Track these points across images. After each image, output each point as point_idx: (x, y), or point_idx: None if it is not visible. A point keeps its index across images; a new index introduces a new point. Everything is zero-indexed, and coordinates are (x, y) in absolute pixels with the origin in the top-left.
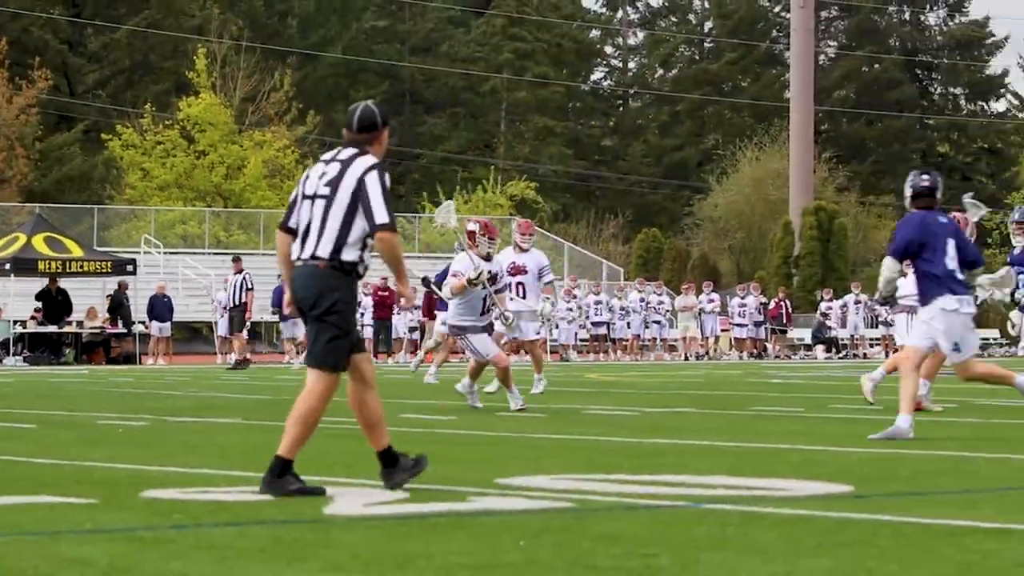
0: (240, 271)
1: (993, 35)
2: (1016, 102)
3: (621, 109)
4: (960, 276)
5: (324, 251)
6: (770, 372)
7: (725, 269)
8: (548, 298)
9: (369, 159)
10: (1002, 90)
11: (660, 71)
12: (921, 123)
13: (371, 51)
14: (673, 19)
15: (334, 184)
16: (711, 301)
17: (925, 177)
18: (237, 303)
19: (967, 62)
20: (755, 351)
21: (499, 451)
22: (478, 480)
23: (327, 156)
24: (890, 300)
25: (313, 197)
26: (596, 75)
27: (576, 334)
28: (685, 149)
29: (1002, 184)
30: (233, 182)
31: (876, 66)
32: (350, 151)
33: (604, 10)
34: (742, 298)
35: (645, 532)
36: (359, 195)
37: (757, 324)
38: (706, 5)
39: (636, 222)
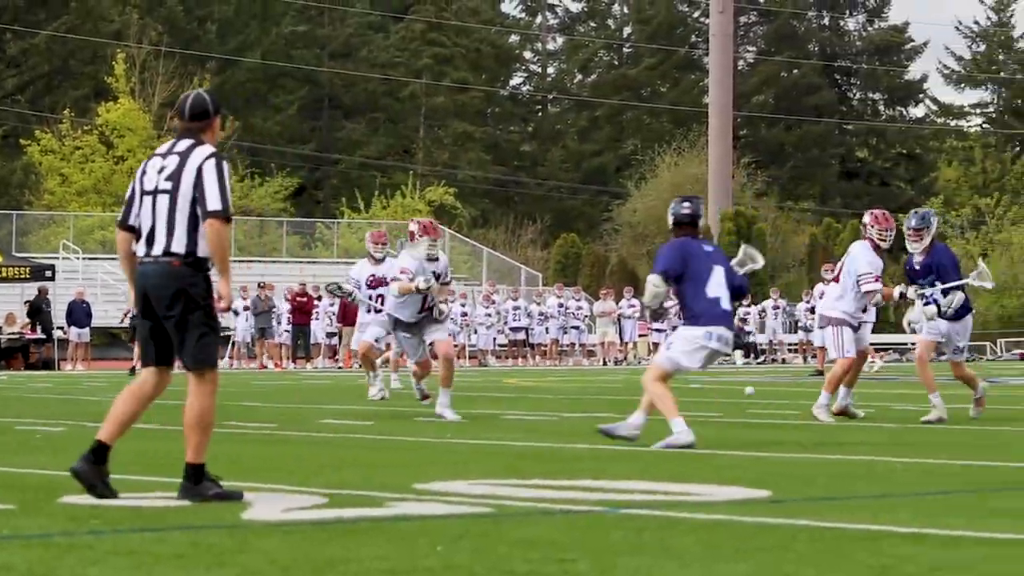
0: None
1: (912, 40)
2: (935, 108)
3: (540, 114)
4: (726, 306)
5: (178, 247)
6: (688, 377)
7: (643, 274)
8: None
9: (207, 148)
10: (921, 96)
11: (579, 76)
12: (840, 128)
13: (290, 56)
14: (592, 24)
15: (175, 177)
16: (632, 306)
17: (686, 204)
18: None
19: (886, 67)
20: None
21: (417, 456)
22: (396, 485)
23: (162, 149)
24: (659, 314)
25: (154, 192)
26: (515, 80)
27: (495, 339)
28: (604, 154)
29: (920, 189)
30: None
31: (795, 71)
32: (186, 142)
33: (523, 15)
34: None
35: (562, 537)
36: (197, 185)
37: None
38: (625, 10)
39: (555, 227)
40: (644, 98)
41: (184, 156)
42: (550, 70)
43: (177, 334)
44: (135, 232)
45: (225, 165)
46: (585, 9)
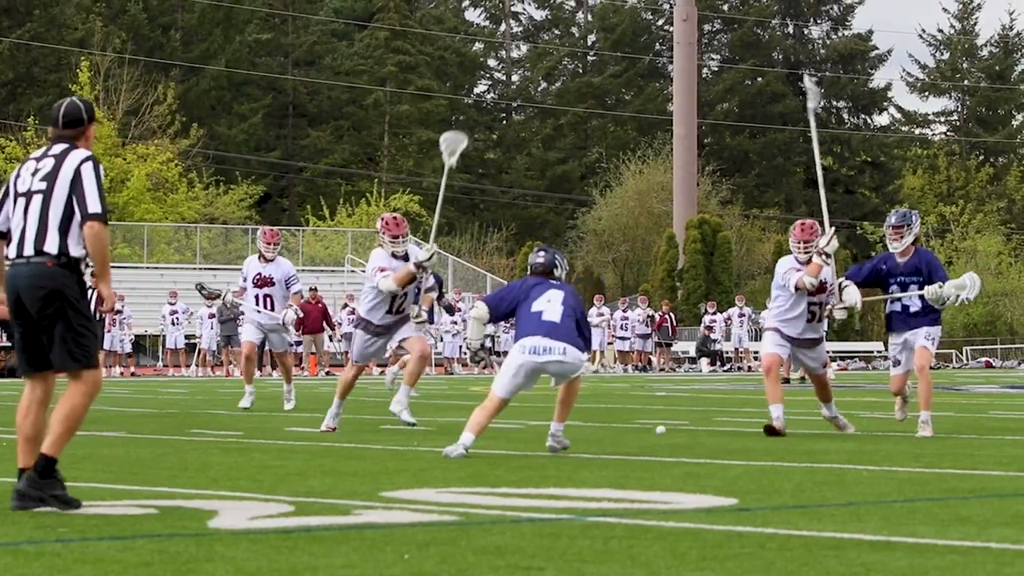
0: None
1: (876, 48)
2: (899, 116)
3: (504, 122)
4: (549, 317)
5: (51, 248)
6: (655, 385)
7: (609, 282)
8: (291, 306)
9: (83, 152)
10: (885, 103)
11: (543, 84)
12: (804, 136)
13: (254, 64)
14: (556, 32)
15: (50, 178)
16: (600, 315)
17: (541, 255)
18: (99, 317)
19: (850, 75)
20: (640, 364)
21: (384, 464)
22: (363, 493)
23: (37, 153)
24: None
25: (28, 194)
26: (479, 88)
27: (460, 347)
28: (568, 162)
29: (885, 197)
30: (116, 195)
31: (759, 79)
32: (61, 146)
33: (487, 23)
34: (624, 311)
35: (529, 545)
36: (74, 187)
37: (643, 337)
38: (589, 18)
39: (520, 235)
40: (609, 106)
41: (60, 159)
42: (514, 78)
43: (50, 335)
44: (7, 237)
45: (101, 168)
46: (549, 17)
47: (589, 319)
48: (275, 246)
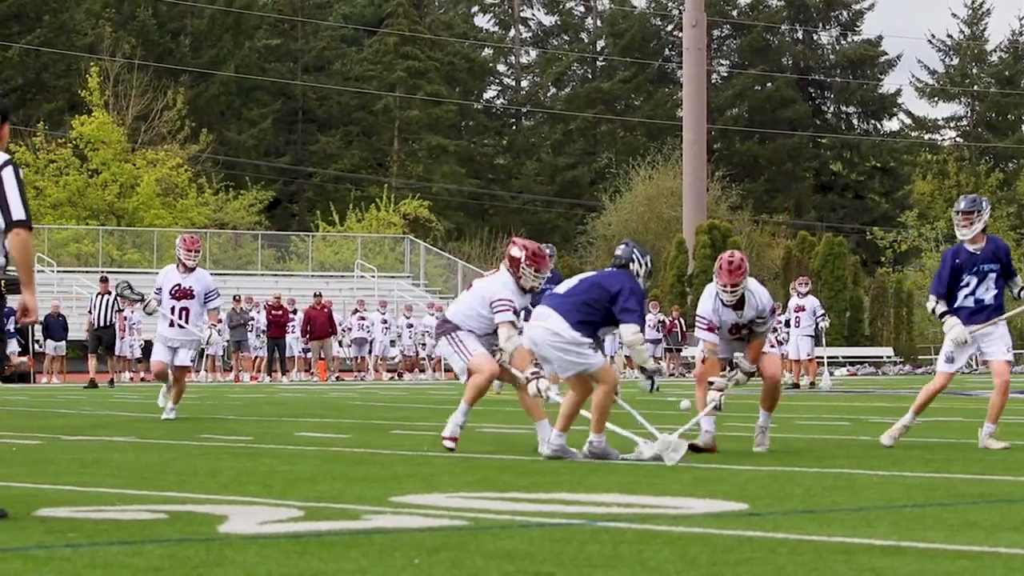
0: (108, 292)
1: (886, 54)
2: (909, 121)
3: (514, 127)
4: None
5: None
6: (665, 390)
7: None
8: (214, 325)
9: (1, 155)
10: (895, 109)
11: (553, 90)
12: (814, 142)
13: (264, 69)
14: (565, 38)
15: None
16: None
17: (620, 247)
18: (107, 324)
19: (860, 81)
20: None
21: (394, 469)
22: (372, 498)
23: None
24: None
25: None
26: (489, 94)
27: None
28: (578, 168)
29: (895, 203)
30: (126, 200)
31: (769, 85)
32: None
33: (496, 29)
34: None
35: (539, 550)
36: None
37: (654, 342)
38: (598, 24)
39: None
40: (618, 111)
41: None
42: (524, 83)
43: None
44: None
45: (20, 172)
46: (558, 23)
47: None
48: (196, 254)
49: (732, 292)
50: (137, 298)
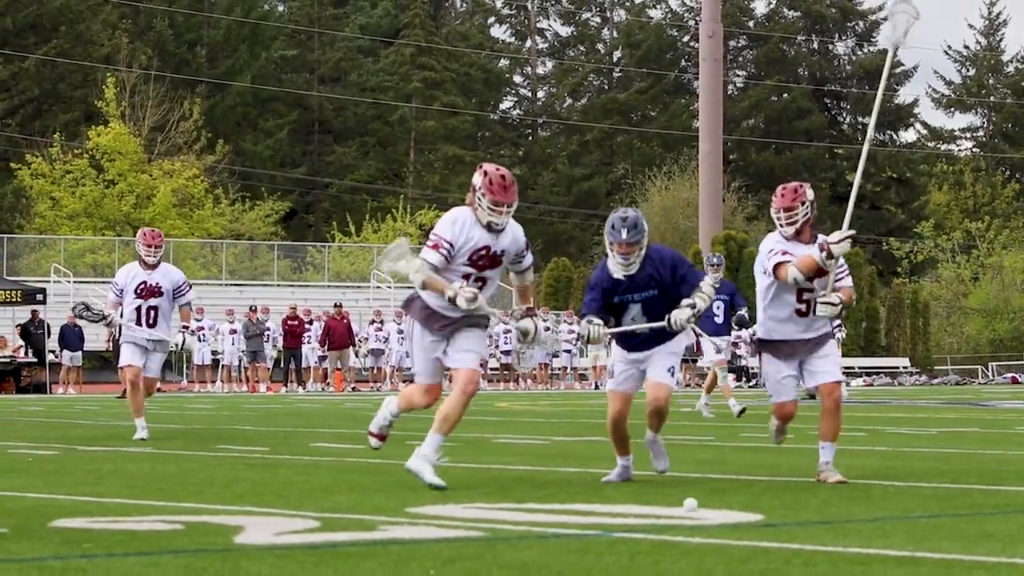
0: None
1: (902, 64)
2: (925, 132)
3: (530, 138)
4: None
5: None
6: (680, 400)
7: None
8: (187, 326)
9: None
10: (911, 120)
11: (569, 100)
12: (830, 152)
13: (280, 80)
14: (582, 48)
15: None
16: None
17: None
18: None
19: (876, 91)
20: None
21: (410, 480)
22: (389, 509)
23: None
24: None
25: None
26: (505, 104)
27: (486, 363)
28: (594, 178)
29: (911, 214)
30: (142, 211)
31: (785, 95)
32: None
33: (513, 39)
34: None
35: (555, 561)
36: None
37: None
38: (615, 35)
39: (546, 251)
40: (634, 122)
41: None
42: (540, 94)
43: None
44: None
45: None
46: (575, 33)
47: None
48: (158, 249)
49: (790, 221)
50: (97, 318)
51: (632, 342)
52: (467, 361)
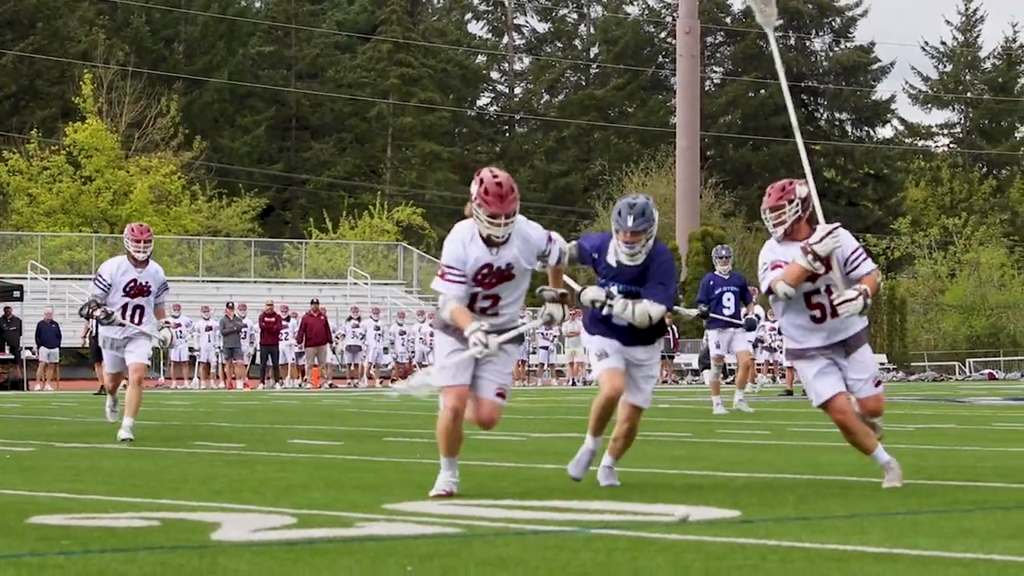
0: None
1: (879, 61)
2: (902, 128)
3: (507, 135)
4: None
5: None
6: (658, 397)
7: None
8: (167, 323)
9: None
10: (888, 116)
11: (546, 97)
12: (807, 149)
13: (257, 76)
14: (559, 45)
15: None
16: None
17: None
18: None
19: (853, 88)
20: None
21: (387, 476)
22: (366, 505)
23: None
24: None
25: None
26: (482, 100)
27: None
28: (571, 175)
29: (888, 210)
30: (120, 208)
31: (762, 92)
32: None
33: (490, 36)
34: None
35: (533, 557)
36: None
37: None
38: (592, 31)
39: None
40: (611, 118)
41: None
42: (517, 90)
43: None
44: None
45: None
46: (551, 30)
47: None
48: (147, 244)
49: (778, 222)
50: (106, 317)
51: (616, 327)
52: (487, 391)
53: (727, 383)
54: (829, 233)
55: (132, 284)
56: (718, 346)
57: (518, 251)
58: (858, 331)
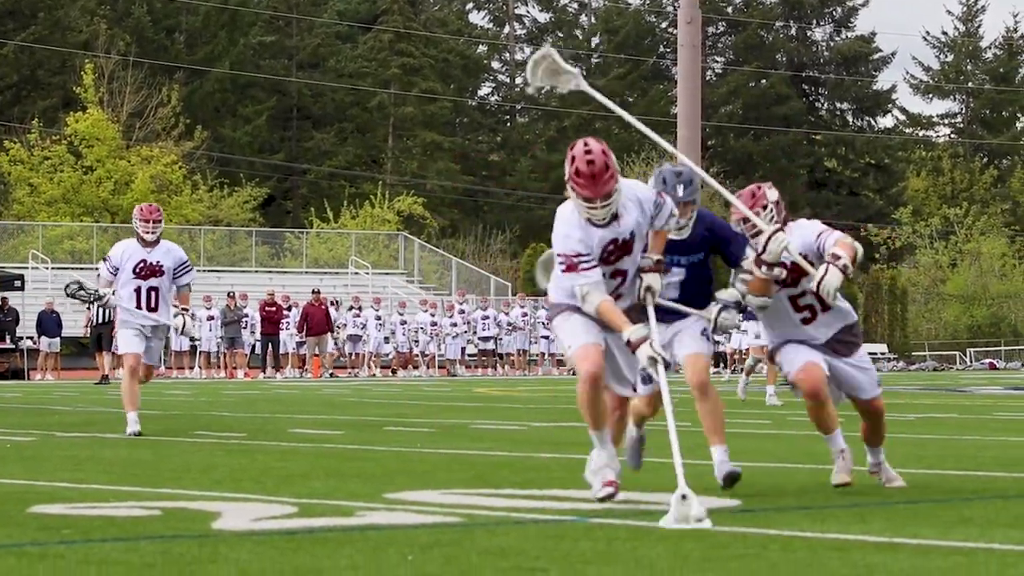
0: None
1: (880, 51)
2: (903, 118)
3: (508, 124)
4: None
5: None
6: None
7: None
8: (186, 309)
9: None
10: (889, 106)
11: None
12: (808, 138)
13: (258, 66)
14: (560, 34)
15: None
16: None
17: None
18: (106, 320)
19: (854, 78)
20: None
21: (387, 466)
22: (366, 494)
23: None
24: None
25: None
26: (483, 90)
27: (463, 349)
28: None
29: (889, 199)
30: (121, 197)
31: (763, 81)
32: None
33: (491, 26)
34: None
35: (533, 546)
36: None
37: None
38: (593, 20)
39: (524, 237)
40: None
41: None
42: (518, 80)
43: None
44: None
45: None
46: (552, 20)
47: None
48: (156, 224)
49: (751, 232)
50: (91, 297)
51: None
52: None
53: (732, 374)
54: (770, 238)
55: (142, 265)
56: (757, 336)
57: (638, 215)
58: (845, 326)
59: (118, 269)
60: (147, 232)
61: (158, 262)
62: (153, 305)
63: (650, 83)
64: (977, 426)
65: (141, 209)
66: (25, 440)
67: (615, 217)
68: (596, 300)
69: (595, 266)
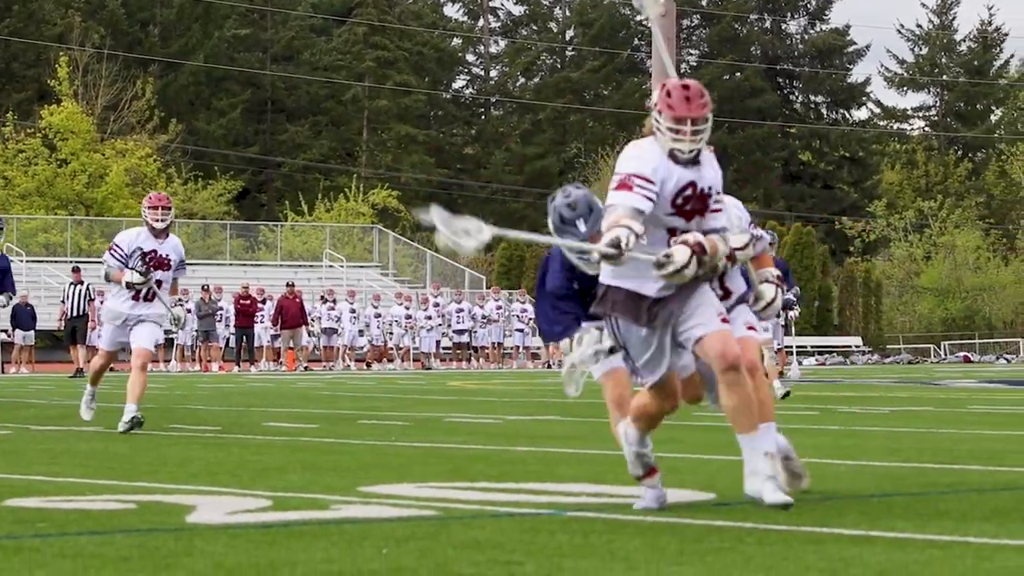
0: (80, 281)
1: (854, 43)
2: (878, 111)
3: (483, 117)
4: None
5: None
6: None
7: None
8: (182, 301)
9: None
10: (863, 99)
11: (522, 79)
12: (783, 131)
13: (233, 59)
14: (534, 27)
15: None
16: None
17: None
18: (80, 313)
19: (828, 70)
20: None
21: (362, 459)
22: (341, 488)
23: None
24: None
25: None
26: (458, 83)
27: (438, 342)
28: (547, 157)
29: (864, 192)
30: (95, 190)
31: (738, 74)
32: None
33: (465, 18)
34: None
35: (509, 540)
36: None
37: None
38: (567, 13)
39: None
40: (587, 101)
41: None
42: (493, 73)
43: None
44: None
45: None
46: (527, 12)
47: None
48: (166, 212)
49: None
50: (148, 281)
51: None
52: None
53: None
54: (750, 232)
55: (153, 256)
56: (766, 330)
57: (714, 175)
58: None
59: (129, 256)
60: (157, 220)
61: (167, 255)
62: (150, 296)
63: (625, 76)
64: (952, 419)
65: (151, 197)
66: (0, 433)
67: (698, 162)
68: (617, 214)
69: (651, 199)
